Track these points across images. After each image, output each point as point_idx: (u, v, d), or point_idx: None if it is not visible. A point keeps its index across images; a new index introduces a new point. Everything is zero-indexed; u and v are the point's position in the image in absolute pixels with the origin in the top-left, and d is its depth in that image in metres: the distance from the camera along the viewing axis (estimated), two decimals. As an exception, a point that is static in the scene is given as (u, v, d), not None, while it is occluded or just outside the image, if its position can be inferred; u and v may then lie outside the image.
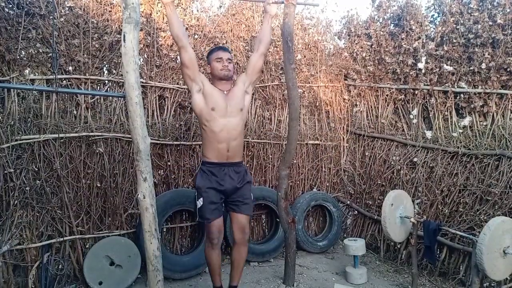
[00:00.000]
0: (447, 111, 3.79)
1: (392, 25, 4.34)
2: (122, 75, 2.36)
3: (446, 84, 3.76)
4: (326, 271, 3.65)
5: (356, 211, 4.47)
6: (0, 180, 2.81)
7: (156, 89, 3.61)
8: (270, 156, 4.15)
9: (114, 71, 3.43)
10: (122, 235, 3.33)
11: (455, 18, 3.71)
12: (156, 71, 3.60)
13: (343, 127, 4.60)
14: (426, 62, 3.85)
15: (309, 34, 4.50)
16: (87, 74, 3.27)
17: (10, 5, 2.96)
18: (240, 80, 2.81)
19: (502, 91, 3.45)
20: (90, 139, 3.23)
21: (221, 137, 2.62)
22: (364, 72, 4.43)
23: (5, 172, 2.85)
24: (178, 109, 3.75)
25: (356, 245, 3.43)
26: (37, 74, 3.08)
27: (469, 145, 3.56)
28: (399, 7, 4.23)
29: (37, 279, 2.96)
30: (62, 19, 3.16)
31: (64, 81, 3.21)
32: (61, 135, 3.07)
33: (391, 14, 4.32)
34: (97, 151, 3.25)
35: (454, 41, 3.67)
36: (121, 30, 2.25)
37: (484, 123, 3.59)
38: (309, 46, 4.46)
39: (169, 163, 3.62)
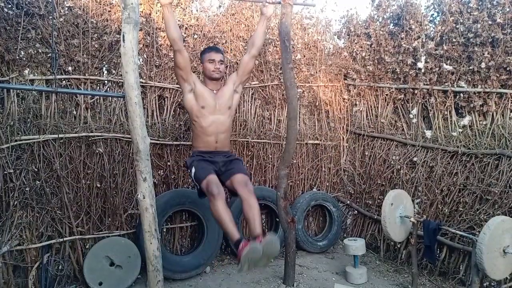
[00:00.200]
0: (447, 110, 3.79)
1: (392, 24, 4.34)
2: (121, 75, 2.35)
3: (446, 84, 3.76)
4: (326, 271, 3.65)
5: (356, 211, 4.47)
6: (0, 180, 2.82)
7: (155, 89, 3.61)
8: (270, 156, 4.16)
9: (113, 71, 3.43)
10: (122, 235, 3.33)
11: (455, 18, 3.71)
12: (156, 71, 3.60)
13: (343, 126, 4.60)
14: (426, 62, 3.85)
15: (309, 34, 4.49)
16: (86, 74, 3.27)
17: (10, 5, 2.96)
18: (230, 80, 3.00)
19: (502, 90, 3.45)
20: (90, 139, 3.23)
21: (209, 131, 2.84)
22: (364, 71, 4.43)
23: (5, 172, 2.85)
24: (178, 109, 3.75)
25: (356, 245, 3.43)
26: (36, 74, 3.08)
27: (469, 144, 3.56)
28: (399, 6, 4.23)
29: (37, 279, 2.96)
30: (61, 19, 3.16)
31: (64, 81, 3.21)
32: (60, 135, 3.07)
33: (391, 14, 4.32)
34: (97, 151, 3.25)
35: (454, 40, 3.67)
36: (120, 30, 2.25)
37: (484, 123, 3.59)
38: (309, 45, 4.46)
39: (168, 163, 3.62)
